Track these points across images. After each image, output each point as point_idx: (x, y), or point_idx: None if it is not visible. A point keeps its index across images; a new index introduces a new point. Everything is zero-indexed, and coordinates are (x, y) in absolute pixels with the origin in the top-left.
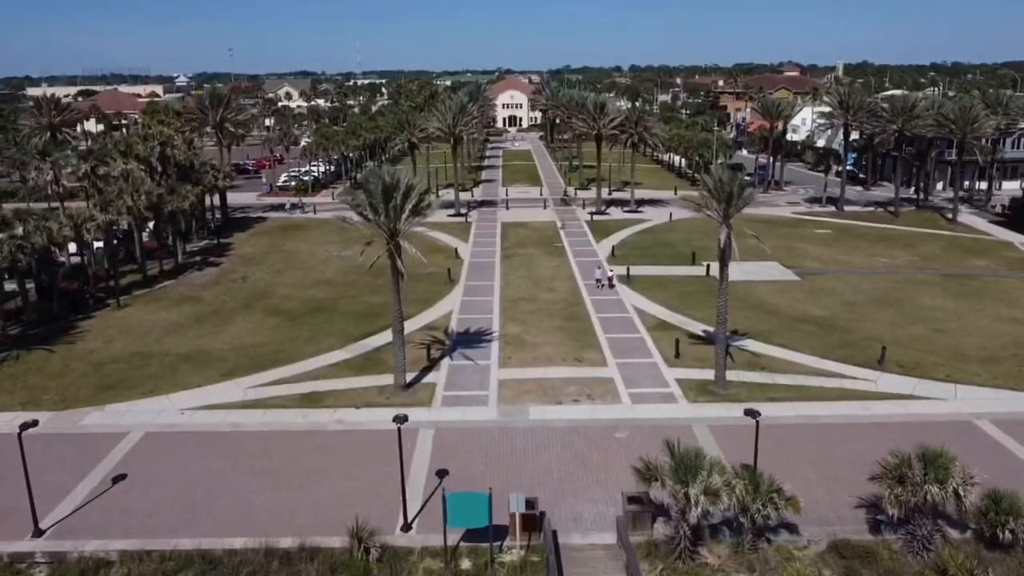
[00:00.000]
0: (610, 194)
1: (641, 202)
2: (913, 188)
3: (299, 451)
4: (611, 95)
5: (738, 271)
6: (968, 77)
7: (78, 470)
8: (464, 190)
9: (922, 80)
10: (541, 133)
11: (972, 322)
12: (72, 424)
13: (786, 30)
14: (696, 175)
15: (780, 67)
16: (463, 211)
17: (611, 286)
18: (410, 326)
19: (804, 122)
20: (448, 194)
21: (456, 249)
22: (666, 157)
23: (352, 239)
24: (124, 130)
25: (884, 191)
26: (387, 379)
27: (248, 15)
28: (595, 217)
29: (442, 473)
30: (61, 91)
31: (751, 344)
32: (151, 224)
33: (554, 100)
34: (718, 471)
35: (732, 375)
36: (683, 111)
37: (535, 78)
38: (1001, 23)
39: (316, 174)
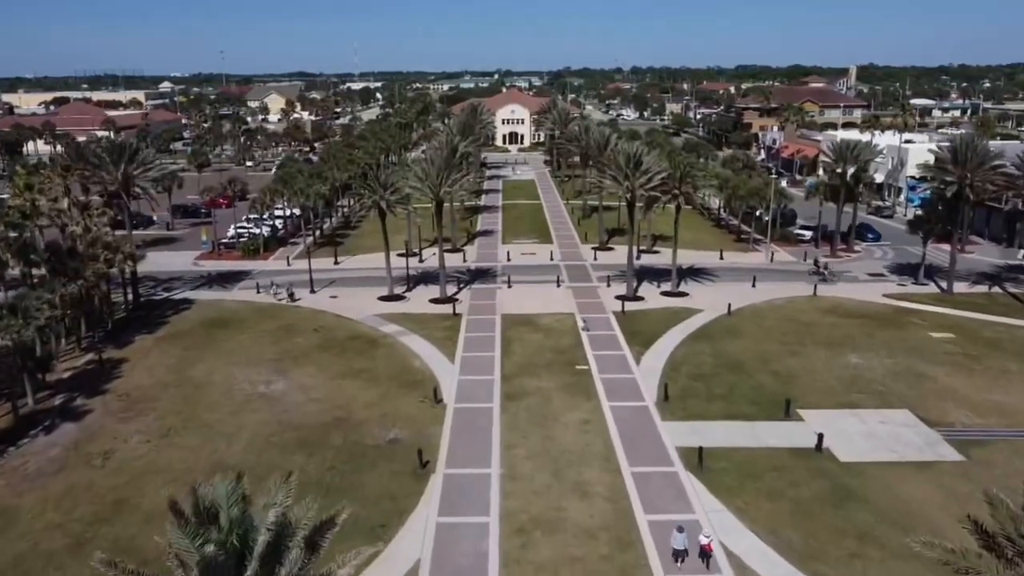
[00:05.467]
0: (639, 256)
1: (682, 272)
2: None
3: None
4: (615, 101)
5: (855, 426)
6: (986, 84)
7: None
8: (455, 250)
9: (939, 86)
10: (547, 157)
11: None
12: None
13: (787, 32)
14: (743, 227)
15: (783, 70)
16: (451, 294)
17: (707, 559)
18: None
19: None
20: (432, 255)
21: (436, 387)
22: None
23: (293, 354)
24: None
25: (982, 252)
26: None
27: (246, 16)
28: (626, 306)
29: None
30: (35, 98)
31: None
32: None
33: (562, 127)
34: None
35: None
36: (699, 125)
37: (535, 80)
38: (1002, 25)
39: (275, 224)
